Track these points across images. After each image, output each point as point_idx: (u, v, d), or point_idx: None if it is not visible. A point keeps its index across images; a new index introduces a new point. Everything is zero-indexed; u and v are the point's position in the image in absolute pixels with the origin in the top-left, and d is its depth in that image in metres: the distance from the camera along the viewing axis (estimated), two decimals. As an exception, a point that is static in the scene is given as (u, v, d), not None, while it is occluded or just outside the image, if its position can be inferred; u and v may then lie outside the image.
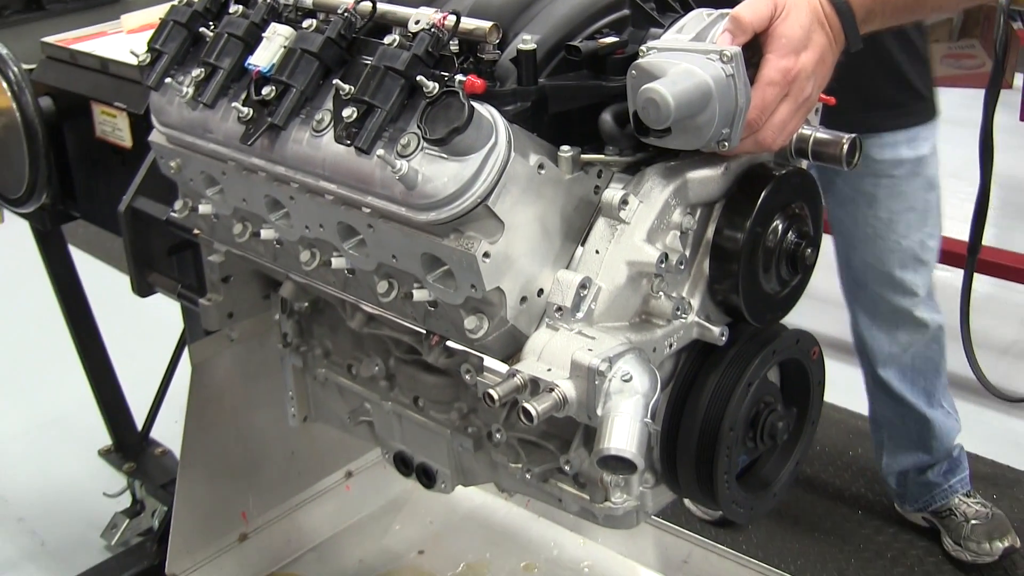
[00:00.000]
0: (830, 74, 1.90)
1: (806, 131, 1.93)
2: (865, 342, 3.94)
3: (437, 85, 1.72)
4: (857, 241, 3.74)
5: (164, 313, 3.59)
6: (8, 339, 5.90)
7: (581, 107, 1.87)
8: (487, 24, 1.80)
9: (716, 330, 1.91)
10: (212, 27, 2.11)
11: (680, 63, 1.70)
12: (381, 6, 1.94)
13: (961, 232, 4.55)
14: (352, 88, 1.81)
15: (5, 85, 3.06)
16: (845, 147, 1.89)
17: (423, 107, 1.74)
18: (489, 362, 2.07)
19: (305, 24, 1.97)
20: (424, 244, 1.84)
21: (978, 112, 4.12)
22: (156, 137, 2.33)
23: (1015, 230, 6.27)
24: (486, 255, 1.77)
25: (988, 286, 5.44)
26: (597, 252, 1.83)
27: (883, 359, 3.92)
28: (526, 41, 1.78)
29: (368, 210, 1.89)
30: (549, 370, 1.74)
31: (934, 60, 4.38)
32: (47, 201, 3.23)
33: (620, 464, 1.67)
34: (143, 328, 4.56)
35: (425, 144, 1.75)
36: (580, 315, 1.80)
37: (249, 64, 1.97)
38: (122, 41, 3.23)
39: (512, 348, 1.88)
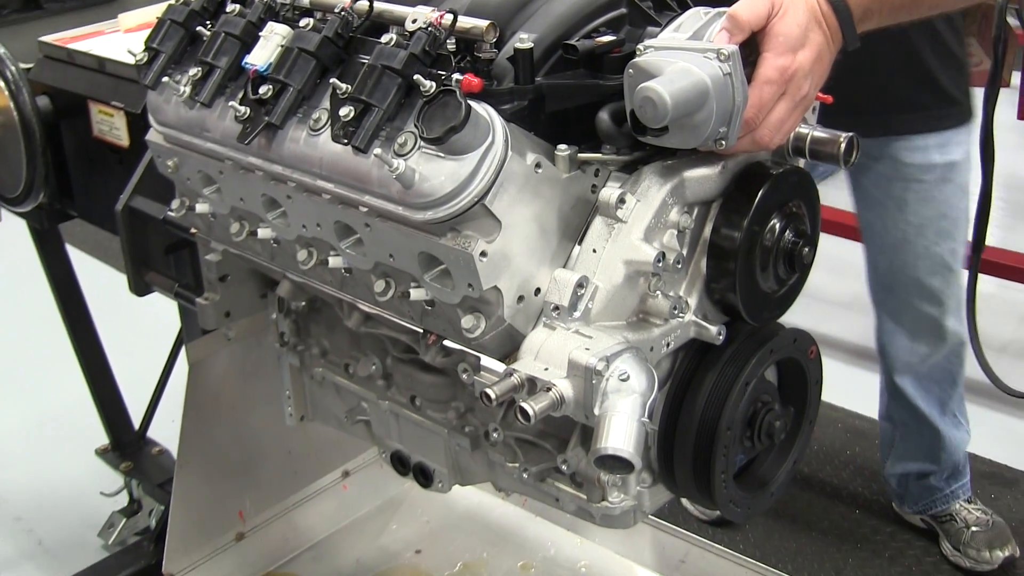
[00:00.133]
0: (827, 73, 1.89)
1: (803, 130, 1.93)
2: (885, 347, 3.92)
3: (434, 84, 1.72)
4: (886, 245, 3.69)
5: (161, 312, 3.60)
6: (5, 338, 5.90)
7: (578, 106, 1.86)
8: (484, 23, 1.80)
9: (713, 329, 1.91)
10: (209, 26, 2.11)
11: (677, 62, 1.70)
12: (378, 5, 1.94)
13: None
14: (349, 87, 1.81)
15: (2, 84, 3.05)
16: (842, 146, 1.89)
17: (420, 106, 1.74)
18: (486, 361, 2.07)
19: (302, 23, 1.97)
20: (421, 243, 1.84)
21: (977, 111, 4.11)
22: (153, 136, 2.33)
23: (1015, 230, 6.28)
24: (483, 254, 1.76)
25: (985, 284, 5.44)
26: (594, 251, 1.83)
27: (901, 367, 3.90)
28: (523, 40, 1.78)
29: (365, 209, 1.89)
30: (546, 369, 1.74)
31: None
32: (44, 200, 3.23)
33: (617, 463, 1.67)
34: (140, 327, 4.56)
35: (422, 143, 1.74)
36: (577, 314, 1.80)
37: (246, 63, 1.97)
38: (119, 40, 3.23)
39: (509, 347, 1.88)
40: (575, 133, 1.86)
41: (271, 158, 2.01)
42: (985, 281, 5.17)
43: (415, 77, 1.74)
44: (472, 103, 1.70)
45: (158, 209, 2.72)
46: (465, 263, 1.78)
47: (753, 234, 1.89)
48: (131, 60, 2.19)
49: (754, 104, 1.77)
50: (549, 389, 1.70)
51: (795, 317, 2.07)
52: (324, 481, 3.58)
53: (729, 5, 1.82)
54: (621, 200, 1.81)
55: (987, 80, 3.64)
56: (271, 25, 1.99)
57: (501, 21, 1.85)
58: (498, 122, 1.74)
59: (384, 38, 1.83)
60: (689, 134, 1.73)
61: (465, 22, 1.82)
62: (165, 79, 2.12)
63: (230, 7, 2.10)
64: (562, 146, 1.83)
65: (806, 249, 1.96)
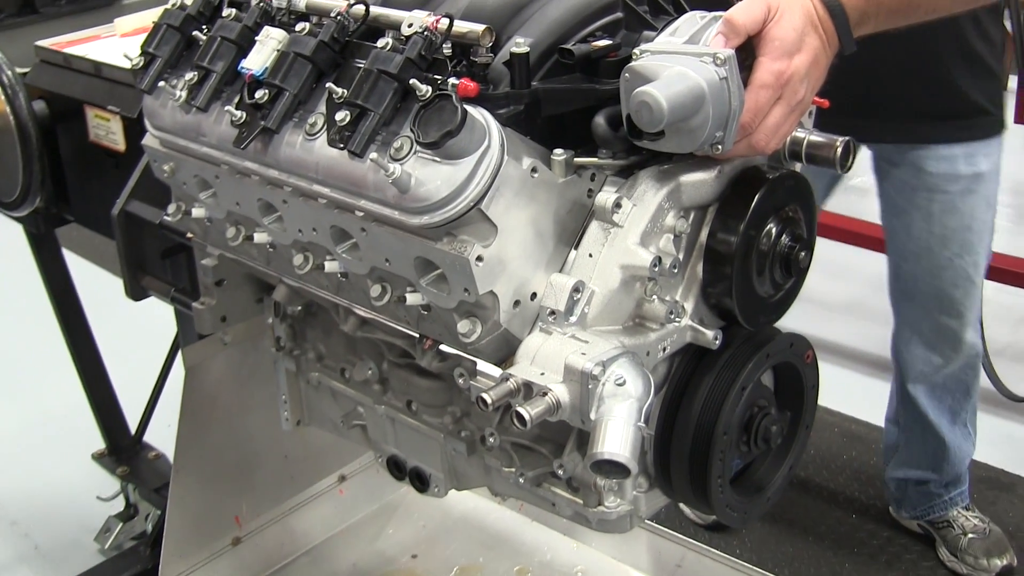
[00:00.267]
0: (824, 77, 1.89)
1: (800, 134, 1.93)
2: (901, 354, 3.91)
3: (430, 88, 1.72)
4: (909, 253, 3.68)
5: (157, 317, 3.59)
6: (2, 342, 5.89)
7: (574, 110, 1.87)
8: (480, 27, 1.80)
9: (710, 334, 1.91)
10: (205, 31, 2.10)
11: (673, 66, 1.70)
12: (374, 9, 1.94)
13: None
14: (345, 91, 1.81)
15: (-1, 89, 3.06)
16: (839, 150, 1.89)
17: (416, 110, 1.74)
18: (482, 366, 2.06)
19: (298, 27, 1.97)
20: (417, 248, 1.84)
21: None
22: (149, 141, 2.33)
23: (1016, 234, 6.29)
24: (479, 259, 1.76)
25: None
26: (590, 256, 1.83)
27: (915, 375, 3.89)
28: (519, 44, 1.78)
29: (361, 214, 1.89)
30: (542, 374, 1.74)
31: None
32: (41, 204, 3.22)
33: (614, 468, 1.67)
34: (136, 332, 4.55)
35: (418, 147, 1.74)
36: (573, 319, 1.80)
37: (242, 68, 1.97)
38: (116, 45, 3.22)
39: (505, 352, 1.88)
40: (571, 137, 1.86)
41: (267, 163, 2.00)
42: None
43: (411, 81, 1.74)
44: (468, 107, 1.70)
45: (154, 213, 2.72)
46: (461, 267, 1.78)
47: (749, 238, 1.88)
48: (127, 64, 2.19)
49: (750, 108, 1.77)
50: (545, 394, 1.70)
51: (792, 321, 2.07)
52: (320, 486, 3.58)
53: (726, 9, 1.82)
54: (617, 204, 1.81)
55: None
56: (267, 29, 1.98)
57: (497, 25, 1.85)
58: (494, 126, 1.74)
59: (380, 42, 1.83)
60: (685, 138, 1.73)
61: (461, 26, 1.81)
62: (161, 83, 2.12)
63: (226, 11, 2.10)
64: (558, 150, 1.83)
65: (802, 253, 1.96)
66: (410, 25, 1.81)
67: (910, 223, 3.61)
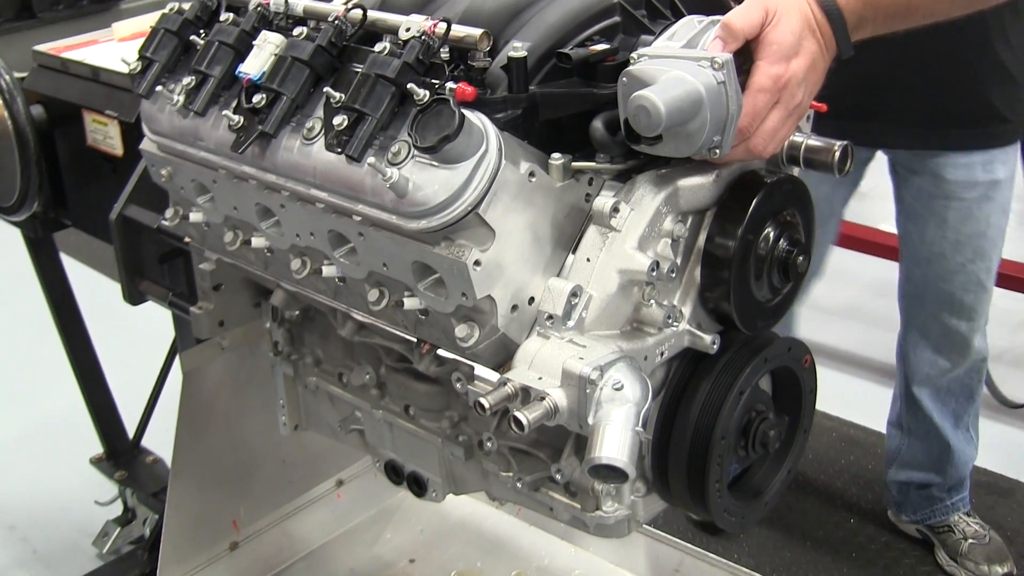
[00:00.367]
0: (821, 81, 1.89)
1: (798, 138, 1.92)
2: (908, 357, 3.93)
3: (428, 93, 1.72)
4: (921, 258, 3.70)
5: (155, 321, 3.59)
6: (0, 347, 5.89)
7: (572, 114, 1.86)
8: (477, 31, 1.80)
9: (707, 338, 1.91)
10: (203, 35, 2.11)
11: (671, 70, 1.70)
12: (371, 13, 1.94)
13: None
14: (343, 96, 1.81)
15: (-4, 93, 3.06)
16: (836, 154, 1.89)
17: (414, 115, 1.74)
18: (480, 370, 2.06)
19: (296, 32, 1.97)
20: (415, 252, 1.84)
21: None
22: (147, 145, 2.33)
23: (1015, 240, 6.28)
24: (477, 263, 1.76)
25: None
26: (588, 260, 1.83)
27: (921, 378, 3.90)
28: (517, 48, 1.77)
29: (359, 218, 1.89)
30: (540, 378, 1.74)
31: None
32: (39, 209, 3.22)
33: (611, 473, 1.67)
34: (134, 336, 4.55)
35: (416, 152, 1.74)
36: (571, 323, 1.80)
37: (240, 72, 1.97)
38: (113, 49, 3.23)
39: (503, 356, 1.87)
40: (569, 142, 1.86)
41: (265, 167, 2.00)
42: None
43: (409, 86, 1.74)
44: (466, 112, 1.70)
45: (152, 218, 2.72)
46: (459, 272, 1.78)
47: (747, 243, 1.88)
48: (125, 69, 2.19)
49: (748, 112, 1.77)
50: (543, 398, 1.70)
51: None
52: (318, 490, 3.58)
53: (723, 13, 1.82)
54: (615, 209, 1.81)
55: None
56: (265, 34, 1.98)
57: (495, 30, 1.85)
58: (492, 131, 1.74)
59: (378, 47, 1.83)
60: (683, 143, 1.73)
61: (459, 31, 1.81)
62: (159, 88, 2.12)
63: (224, 16, 2.10)
64: (556, 155, 1.83)
65: (800, 258, 1.96)
66: (408, 29, 1.81)
67: (924, 228, 3.62)
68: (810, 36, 1.84)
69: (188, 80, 2.06)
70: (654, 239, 1.84)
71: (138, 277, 2.98)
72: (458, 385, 2.15)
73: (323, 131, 1.87)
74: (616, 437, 1.67)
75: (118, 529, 4.23)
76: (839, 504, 4.53)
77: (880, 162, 3.71)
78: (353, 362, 2.51)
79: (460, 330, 1.86)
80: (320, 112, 1.90)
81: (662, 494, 2.07)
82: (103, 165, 3.05)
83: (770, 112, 1.80)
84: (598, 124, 1.83)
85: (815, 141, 1.93)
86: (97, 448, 4.36)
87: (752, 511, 2.14)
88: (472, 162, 1.72)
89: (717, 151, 1.75)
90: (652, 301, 1.86)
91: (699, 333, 1.91)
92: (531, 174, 1.79)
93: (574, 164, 1.84)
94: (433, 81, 1.76)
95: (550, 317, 1.80)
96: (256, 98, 1.93)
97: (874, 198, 3.75)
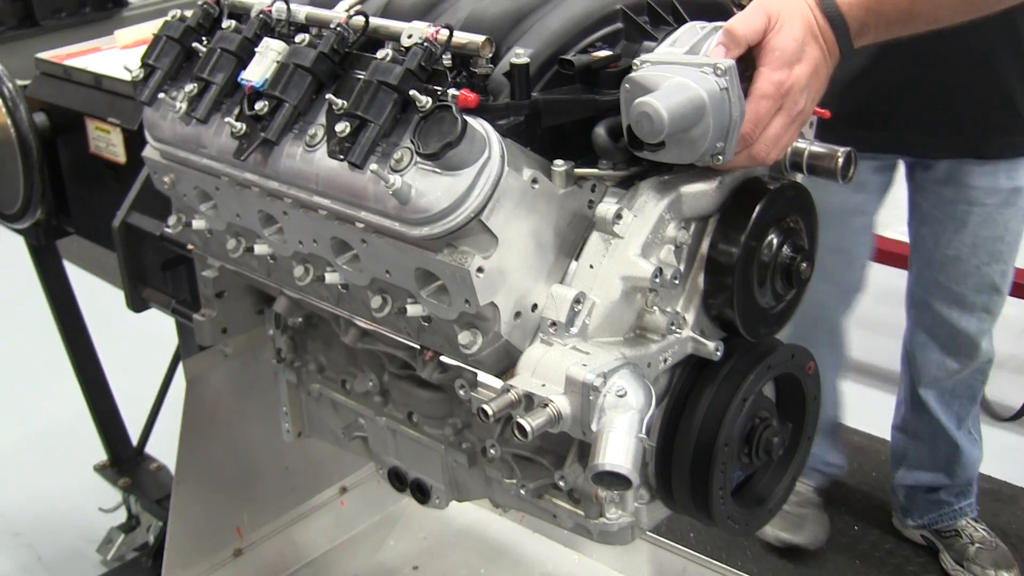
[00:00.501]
0: (824, 87, 1.89)
1: (801, 145, 1.92)
2: (915, 359, 3.93)
3: (430, 99, 1.72)
4: (935, 261, 3.70)
5: (158, 328, 3.59)
6: (3, 353, 5.90)
7: (574, 121, 1.86)
8: (480, 38, 1.80)
9: (711, 345, 1.90)
10: (205, 42, 2.10)
11: (674, 76, 1.70)
12: (374, 20, 1.94)
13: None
14: (345, 103, 1.81)
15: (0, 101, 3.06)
16: (840, 161, 1.89)
17: (416, 121, 1.73)
18: (483, 377, 2.06)
19: (298, 39, 1.96)
20: (417, 259, 1.84)
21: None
22: (150, 152, 2.33)
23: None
24: (480, 270, 1.76)
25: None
26: (591, 267, 1.83)
27: (928, 380, 3.90)
28: (519, 55, 1.77)
29: (361, 225, 1.89)
30: (543, 385, 1.73)
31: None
32: (41, 216, 3.23)
33: (615, 480, 1.67)
34: (138, 343, 4.55)
35: (418, 159, 1.74)
36: (574, 330, 1.80)
37: (242, 79, 1.97)
38: (116, 57, 3.22)
39: (506, 363, 1.87)
40: (571, 148, 1.86)
41: (267, 174, 2.00)
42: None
43: (411, 92, 1.73)
44: (468, 118, 1.70)
45: (155, 225, 2.72)
46: (462, 279, 1.78)
47: (750, 249, 1.88)
48: (127, 76, 2.18)
49: (751, 119, 1.77)
50: (546, 405, 1.70)
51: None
52: (321, 497, 3.58)
53: (726, 19, 1.82)
54: (618, 215, 1.81)
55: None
56: (267, 41, 1.98)
57: (497, 36, 1.84)
58: (494, 137, 1.74)
59: (380, 53, 1.83)
60: (686, 149, 1.72)
61: (461, 37, 1.81)
62: (161, 95, 2.12)
63: (226, 23, 2.10)
64: (558, 161, 1.83)
65: (804, 264, 1.96)
66: (410, 36, 1.81)
67: (941, 232, 3.62)
68: (813, 42, 1.83)
69: (191, 87, 2.06)
70: (657, 245, 1.83)
71: (141, 284, 2.97)
72: (461, 392, 2.14)
73: (325, 138, 1.87)
74: (620, 444, 1.66)
75: (122, 536, 4.23)
76: (843, 510, 4.52)
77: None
78: (356, 369, 2.51)
79: (463, 337, 1.86)
80: (322, 119, 1.90)
81: (666, 501, 2.06)
82: (106, 172, 3.05)
83: (773, 118, 1.80)
84: (601, 131, 1.83)
85: (818, 147, 1.92)
86: (101, 455, 4.36)
87: (755, 518, 2.14)
88: (475, 169, 1.72)
89: (720, 157, 1.75)
90: (655, 308, 1.85)
91: (702, 340, 1.91)
92: (534, 181, 1.79)
93: (577, 171, 1.84)
94: (435, 88, 1.76)
95: (553, 324, 1.80)
96: (258, 105, 1.93)
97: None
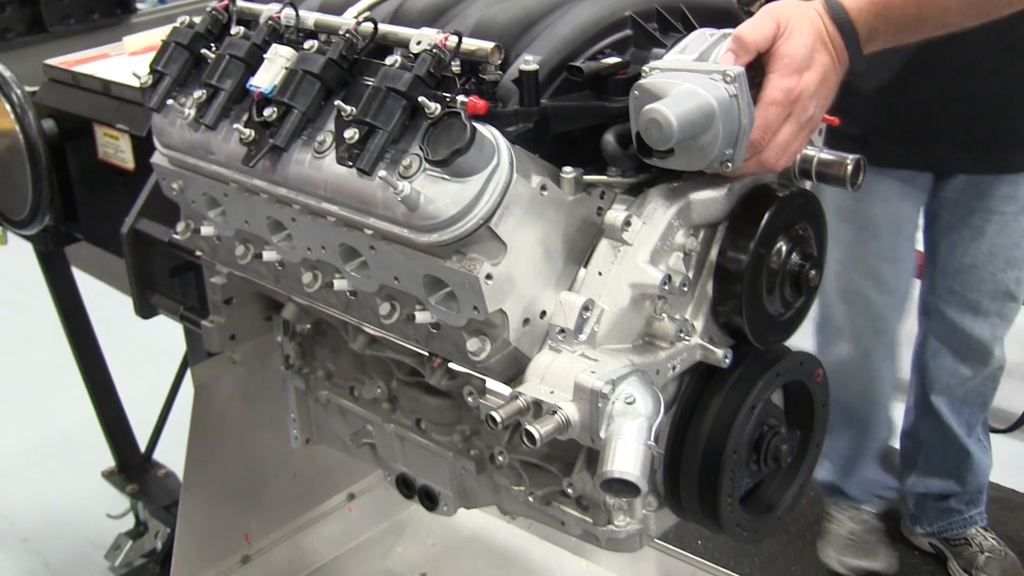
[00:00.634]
0: (834, 94, 1.88)
1: (810, 152, 1.92)
2: (927, 366, 3.91)
3: (439, 106, 1.72)
4: (950, 269, 3.69)
5: (167, 334, 3.59)
6: (11, 360, 5.91)
7: (583, 128, 1.86)
8: (489, 45, 1.80)
9: (720, 352, 1.90)
10: (214, 49, 2.11)
11: (683, 83, 1.70)
12: (382, 27, 1.94)
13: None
14: (354, 109, 1.81)
15: (8, 107, 3.06)
16: (849, 168, 1.88)
17: (425, 128, 1.73)
18: (491, 384, 2.06)
19: (307, 45, 1.97)
20: (426, 266, 1.84)
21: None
22: (158, 159, 2.33)
23: None
24: (488, 277, 1.76)
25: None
26: (600, 274, 1.82)
27: (940, 387, 3.89)
28: (528, 62, 1.77)
29: (370, 231, 1.89)
30: (552, 392, 1.73)
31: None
32: (50, 223, 3.23)
33: (623, 487, 1.66)
34: (146, 350, 4.56)
35: (427, 165, 1.74)
36: (583, 337, 1.79)
37: (251, 85, 1.97)
38: (124, 63, 3.23)
39: (514, 370, 1.87)
40: (580, 155, 1.85)
41: (276, 180, 2.00)
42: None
43: (420, 99, 1.73)
44: (477, 125, 1.70)
45: (163, 232, 2.73)
46: (470, 286, 1.77)
47: (759, 257, 1.88)
48: (136, 83, 2.19)
49: (760, 126, 1.77)
50: (555, 412, 1.70)
51: (802, 340, 2.06)
52: (329, 504, 3.58)
53: (735, 26, 1.81)
54: (627, 223, 1.80)
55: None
56: (275, 47, 1.98)
57: (506, 43, 1.84)
58: (503, 144, 1.74)
59: (389, 60, 1.83)
60: (695, 156, 1.72)
61: (470, 44, 1.81)
62: (170, 102, 2.12)
63: (235, 29, 2.10)
64: (567, 168, 1.82)
65: (812, 272, 1.95)
66: (419, 42, 1.81)
67: (957, 241, 3.62)
68: (822, 49, 1.83)
69: (199, 94, 2.06)
70: (666, 253, 1.83)
71: (149, 291, 2.97)
72: (470, 399, 2.14)
73: (334, 144, 1.87)
74: (628, 451, 1.66)
75: (130, 542, 4.23)
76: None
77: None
78: (364, 376, 2.51)
79: (472, 344, 1.86)
80: (331, 125, 1.89)
81: (674, 508, 2.06)
82: (114, 179, 3.05)
83: (782, 125, 1.80)
84: (610, 137, 1.83)
85: (827, 155, 1.92)
86: (109, 461, 4.36)
87: (764, 525, 2.13)
88: (484, 176, 1.72)
89: (729, 164, 1.75)
90: (664, 315, 1.85)
91: (711, 347, 1.91)
92: (543, 188, 1.79)
93: (586, 178, 1.84)
94: (444, 94, 1.75)
95: (562, 331, 1.80)
96: (267, 111, 1.93)
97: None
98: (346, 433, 2.62)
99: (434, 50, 1.79)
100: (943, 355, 3.83)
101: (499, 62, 1.81)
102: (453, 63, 1.80)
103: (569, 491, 2.09)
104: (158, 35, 2.30)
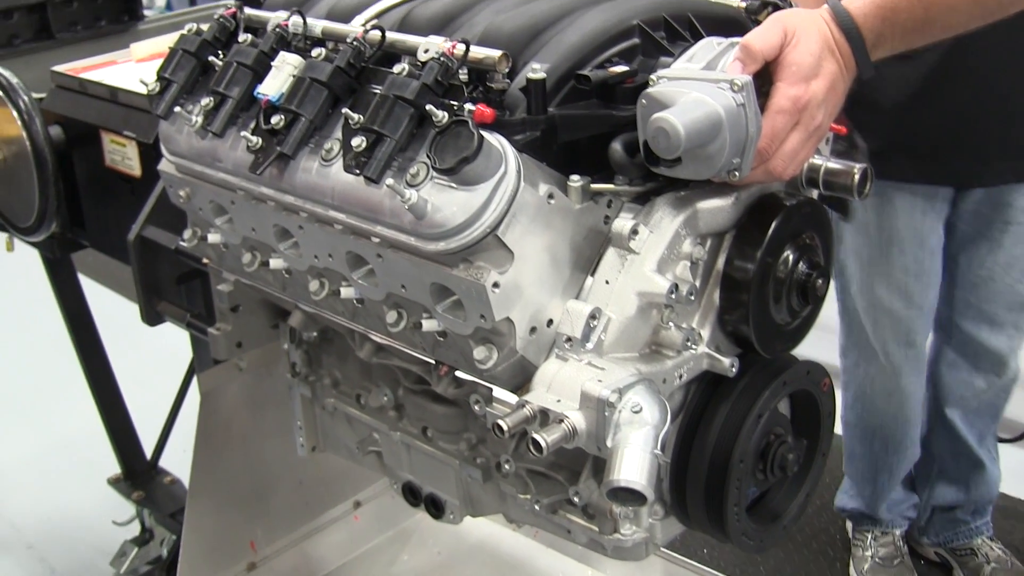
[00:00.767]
0: (841, 102, 1.88)
1: (817, 161, 1.92)
2: (941, 378, 3.90)
3: (446, 114, 1.72)
4: (967, 282, 3.68)
5: (173, 342, 3.59)
6: (18, 367, 5.91)
7: (591, 136, 1.86)
8: (497, 53, 1.80)
9: (726, 361, 1.90)
10: (221, 56, 2.10)
11: (691, 92, 1.70)
12: (390, 35, 1.94)
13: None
14: (361, 117, 1.80)
15: (15, 114, 3.06)
16: (856, 177, 1.88)
17: (432, 136, 1.73)
18: (498, 392, 2.06)
19: (314, 53, 1.97)
20: (433, 274, 1.84)
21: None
22: (165, 166, 2.33)
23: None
24: (496, 285, 1.76)
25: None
26: (607, 282, 1.82)
27: (954, 399, 3.88)
28: (536, 70, 1.77)
29: (377, 240, 1.88)
30: (558, 401, 1.73)
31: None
32: (56, 229, 3.23)
33: (630, 496, 1.66)
34: (152, 357, 4.56)
35: (434, 173, 1.74)
36: (590, 345, 1.79)
37: (258, 93, 1.97)
38: (132, 70, 3.23)
39: (521, 378, 1.87)
40: (587, 164, 1.85)
41: (283, 188, 2.00)
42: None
43: (427, 107, 1.73)
44: (484, 133, 1.70)
45: (170, 239, 2.72)
46: (477, 294, 1.77)
47: (766, 266, 1.88)
48: (143, 90, 2.19)
49: (767, 134, 1.77)
50: (561, 421, 1.69)
51: (808, 349, 2.06)
52: (335, 511, 3.58)
53: (742, 34, 1.81)
54: (634, 231, 1.80)
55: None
56: (283, 55, 1.98)
57: (513, 51, 1.84)
58: (510, 152, 1.74)
59: (396, 68, 1.83)
60: (702, 165, 1.72)
61: (477, 52, 1.81)
62: (177, 109, 2.12)
63: (242, 37, 2.10)
64: (575, 177, 1.82)
65: (820, 281, 1.95)
66: (426, 51, 1.81)
67: (974, 253, 3.60)
68: (829, 56, 1.83)
69: (206, 101, 2.06)
70: (673, 261, 1.83)
71: (156, 298, 2.97)
72: (476, 407, 2.14)
73: (342, 152, 1.87)
74: (635, 460, 1.66)
75: (135, 549, 4.22)
76: (857, 526, 4.51)
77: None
78: (371, 384, 2.50)
79: (478, 352, 1.86)
80: (338, 133, 1.90)
81: (680, 517, 2.06)
82: (121, 186, 3.05)
83: (790, 134, 1.80)
84: (617, 146, 1.83)
85: (835, 163, 1.92)
86: (115, 468, 4.36)
87: (770, 534, 2.13)
88: (491, 184, 1.72)
89: (736, 173, 1.74)
90: (671, 323, 1.85)
91: (718, 356, 1.90)
92: (550, 196, 1.79)
93: (593, 186, 1.84)
94: (452, 102, 1.75)
95: (569, 339, 1.80)
96: (274, 119, 1.93)
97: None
98: (352, 441, 2.62)
99: (442, 58, 1.79)
100: (958, 368, 3.82)
101: (507, 70, 1.81)
102: (461, 71, 1.80)
103: (575, 499, 2.09)
104: (165, 42, 2.31)
